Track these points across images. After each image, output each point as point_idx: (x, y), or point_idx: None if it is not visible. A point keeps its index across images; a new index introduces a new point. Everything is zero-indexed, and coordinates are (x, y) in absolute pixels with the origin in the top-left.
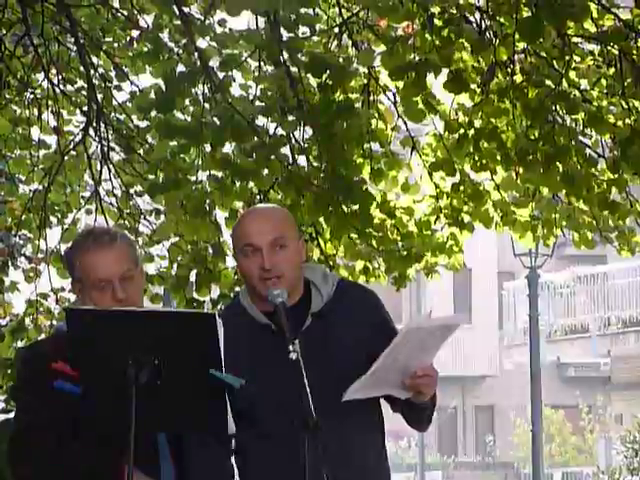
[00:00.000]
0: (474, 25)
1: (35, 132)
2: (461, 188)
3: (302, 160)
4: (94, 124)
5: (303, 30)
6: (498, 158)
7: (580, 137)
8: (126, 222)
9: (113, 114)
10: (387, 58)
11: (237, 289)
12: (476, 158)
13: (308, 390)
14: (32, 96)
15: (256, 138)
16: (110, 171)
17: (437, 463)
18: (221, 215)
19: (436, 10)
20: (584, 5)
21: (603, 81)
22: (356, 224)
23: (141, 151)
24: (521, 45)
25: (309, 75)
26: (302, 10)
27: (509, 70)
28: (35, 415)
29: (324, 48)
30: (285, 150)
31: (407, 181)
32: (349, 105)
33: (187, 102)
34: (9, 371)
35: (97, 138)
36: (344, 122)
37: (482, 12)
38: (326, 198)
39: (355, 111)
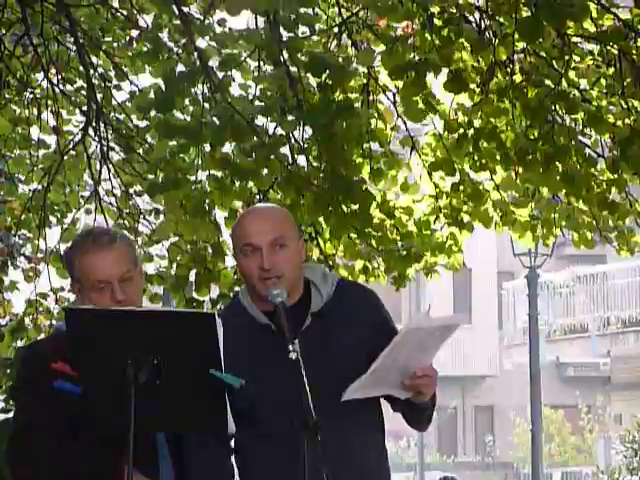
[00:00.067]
0: (474, 25)
1: (35, 132)
2: (461, 188)
3: (302, 160)
4: (94, 124)
5: (303, 30)
6: (498, 158)
7: (580, 137)
8: (125, 222)
9: (113, 114)
10: (387, 58)
11: (237, 289)
12: (475, 158)
13: (308, 390)
14: (32, 96)
15: (256, 138)
16: (110, 171)
17: (437, 463)
18: (220, 215)
19: (436, 10)
20: (584, 5)
21: (603, 81)
22: (356, 224)
23: (141, 151)
24: (521, 45)
25: (309, 75)
26: (302, 10)
27: (508, 70)
28: (34, 415)
29: (324, 48)
30: (285, 150)
31: (406, 181)
32: (349, 105)
33: (187, 102)
34: (8, 371)
35: (97, 138)
36: (344, 122)
37: (482, 12)
38: (326, 198)
39: (355, 111)
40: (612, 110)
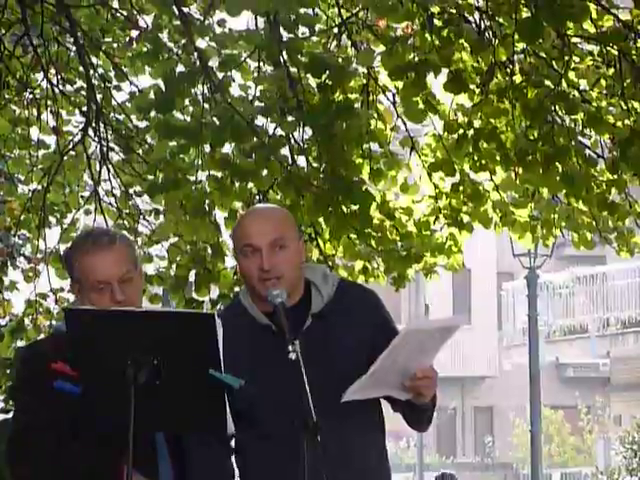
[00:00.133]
0: (473, 25)
1: (34, 132)
2: (460, 188)
3: (302, 160)
4: (93, 124)
5: (303, 30)
6: (497, 158)
7: (579, 137)
8: (125, 222)
9: (112, 114)
10: (387, 58)
11: (236, 289)
12: (475, 158)
13: (308, 390)
14: (31, 96)
15: (255, 138)
16: (109, 171)
17: (436, 463)
18: (220, 215)
19: (436, 10)
20: (583, 6)
21: (602, 81)
22: (355, 224)
23: (140, 151)
24: (520, 45)
25: (309, 75)
26: (301, 10)
27: (508, 70)
28: (34, 415)
29: (323, 48)
30: (285, 150)
31: (406, 181)
32: (348, 105)
33: (186, 102)
34: (8, 371)
35: (96, 138)
36: (343, 122)
37: (481, 12)
38: (326, 198)
39: (354, 111)
40: (612, 111)
